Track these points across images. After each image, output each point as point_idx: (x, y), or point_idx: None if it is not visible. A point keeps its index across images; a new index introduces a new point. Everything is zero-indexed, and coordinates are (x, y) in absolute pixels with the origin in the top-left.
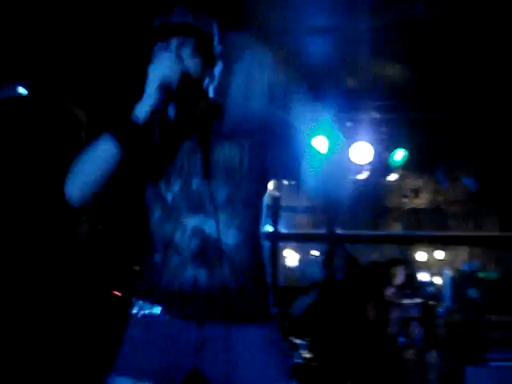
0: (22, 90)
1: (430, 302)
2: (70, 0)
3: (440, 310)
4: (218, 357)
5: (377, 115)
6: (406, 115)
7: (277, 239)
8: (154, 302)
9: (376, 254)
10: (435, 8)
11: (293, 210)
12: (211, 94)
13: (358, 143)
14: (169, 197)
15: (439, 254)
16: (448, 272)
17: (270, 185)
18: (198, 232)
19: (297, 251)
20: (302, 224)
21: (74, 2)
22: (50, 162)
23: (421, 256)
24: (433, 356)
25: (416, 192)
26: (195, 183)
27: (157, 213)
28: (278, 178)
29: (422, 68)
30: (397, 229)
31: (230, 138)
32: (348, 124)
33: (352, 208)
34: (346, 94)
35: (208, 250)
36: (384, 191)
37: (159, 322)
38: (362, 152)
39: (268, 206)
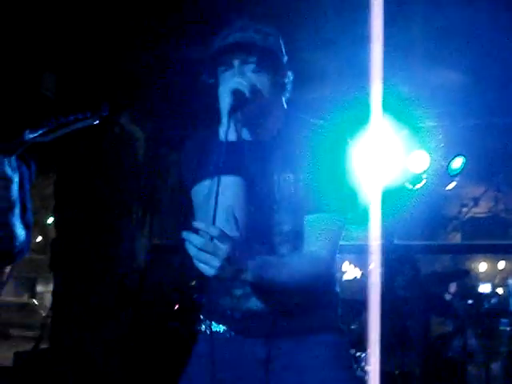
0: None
1: (494, 313)
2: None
3: (504, 321)
4: (285, 371)
5: (434, 123)
6: (463, 122)
7: None
8: (220, 323)
9: (435, 265)
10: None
11: None
12: (284, 105)
13: (415, 152)
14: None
15: (501, 264)
16: (511, 282)
17: None
18: None
19: (355, 264)
20: (359, 236)
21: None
22: (109, 181)
23: (482, 266)
24: (496, 369)
25: (475, 200)
26: (260, 213)
27: None
28: None
29: (476, 73)
30: (456, 239)
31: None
32: (404, 132)
33: (410, 218)
34: (400, 102)
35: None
36: (443, 200)
37: (226, 339)
38: (419, 160)
39: None
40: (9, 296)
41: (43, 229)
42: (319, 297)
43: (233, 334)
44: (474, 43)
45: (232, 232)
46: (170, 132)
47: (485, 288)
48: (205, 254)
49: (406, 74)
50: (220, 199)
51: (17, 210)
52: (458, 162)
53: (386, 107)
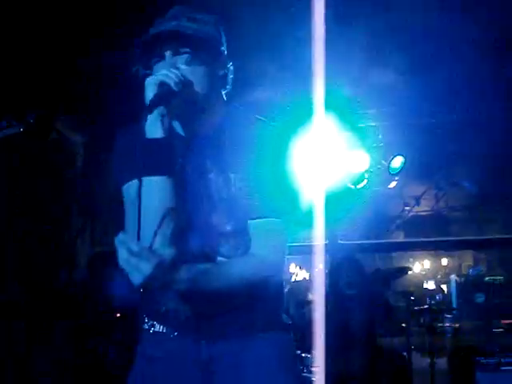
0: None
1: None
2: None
3: (448, 316)
4: (228, 372)
5: (373, 123)
6: (402, 121)
7: None
8: (162, 323)
9: (379, 263)
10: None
11: None
12: (224, 98)
13: (354, 151)
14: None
15: (444, 261)
16: (454, 278)
17: None
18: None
19: (302, 266)
20: (304, 237)
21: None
22: (47, 188)
23: (425, 263)
24: (442, 363)
25: (417, 199)
26: (197, 214)
27: None
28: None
29: (415, 72)
30: (399, 237)
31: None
32: (345, 132)
33: (353, 217)
34: (343, 102)
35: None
36: (385, 200)
37: (169, 339)
38: (359, 160)
39: None
40: None
41: None
42: (265, 298)
43: (175, 333)
44: (413, 43)
45: (161, 236)
46: (110, 137)
47: (429, 285)
48: (129, 266)
49: (346, 74)
50: (147, 201)
51: None
52: (397, 162)
53: (328, 107)
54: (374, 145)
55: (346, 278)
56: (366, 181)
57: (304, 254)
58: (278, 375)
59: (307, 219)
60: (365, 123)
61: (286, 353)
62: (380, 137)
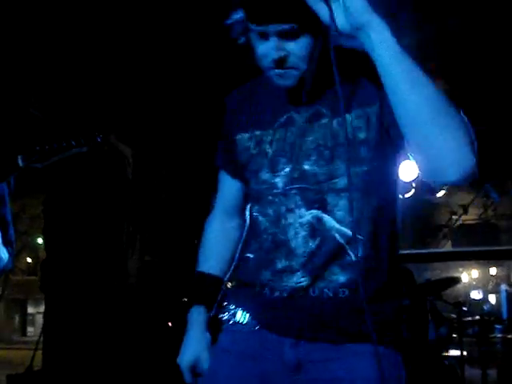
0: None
1: (488, 319)
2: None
3: (498, 327)
4: None
5: None
6: None
7: None
8: (247, 309)
9: (427, 273)
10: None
11: None
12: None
13: (403, 162)
14: (279, 183)
15: (493, 270)
16: (504, 288)
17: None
18: (314, 230)
19: None
20: None
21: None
22: (98, 199)
23: (473, 273)
24: (492, 374)
25: (465, 208)
26: (307, 168)
27: (264, 203)
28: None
29: (460, 82)
30: (447, 246)
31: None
32: None
33: (401, 227)
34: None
35: (323, 251)
36: (432, 209)
37: (250, 333)
38: (407, 170)
39: None
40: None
41: (33, 250)
42: (379, 292)
43: (257, 327)
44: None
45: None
46: (159, 148)
47: (477, 295)
48: None
49: None
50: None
51: None
52: None
53: None
54: None
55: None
56: (413, 190)
57: None
58: None
59: None
60: None
61: (391, 371)
62: None
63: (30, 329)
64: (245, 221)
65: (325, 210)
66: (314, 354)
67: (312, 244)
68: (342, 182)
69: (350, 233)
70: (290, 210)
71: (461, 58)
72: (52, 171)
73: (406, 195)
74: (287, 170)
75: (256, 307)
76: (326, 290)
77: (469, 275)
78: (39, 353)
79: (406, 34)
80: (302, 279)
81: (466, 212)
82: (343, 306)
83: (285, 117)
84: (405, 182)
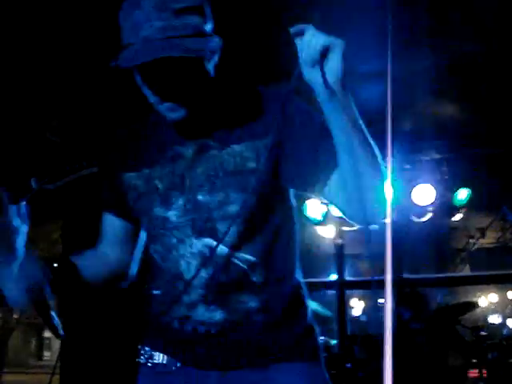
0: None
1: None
2: None
3: None
4: None
5: (437, 155)
6: (466, 153)
7: (343, 287)
8: (164, 350)
9: (445, 298)
10: (487, 44)
11: (357, 257)
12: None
13: (419, 186)
14: (171, 217)
15: (510, 294)
16: None
17: (331, 231)
18: (205, 259)
19: (363, 300)
20: (367, 271)
21: None
22: None
23: (491, 297)
24: None
25: (482, 231)
26: (201, 198)
27: (155, 238)
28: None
29: (479, 104)
30: (465, 270)
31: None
32: (407, 166)
33: (418, 251)
34: (404, 136)
35: (222, 280)
36: (450, 232)
37: (172, 373)
38: (424, 194)
39: (331, 255)
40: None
41: None
42: (287, 310)
43: (179, 364)
44: (477, 74)
45: None
46: None
47: (495, 319)
48: None
49: (411, 107)
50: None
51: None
52: (463, 194)
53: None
54: (439, 177)
55: (410, 312)
56: (430, 214)
57: (365, 288)
58: None
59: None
60: (430, 156)
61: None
62: (445, 169)
63: (46, 353)
64: (129, 259)
65: (215, 237)
66: (243, 381)
67: (204, 274)
68: (232, 209)
69: (245, 258)
70: (181, 241)
71: (479, 82)
72: (70, 195)
73: (423, 219)
74: (180, 202)
75: (174, 345)
76: (236, 318)
77: (487, 299)
78: (56, 378)
79: (423, 58)
80: (212, 311)
81: (483, 235)
82: (258, 331)
83: (172, 151)
84: (421, 207)
